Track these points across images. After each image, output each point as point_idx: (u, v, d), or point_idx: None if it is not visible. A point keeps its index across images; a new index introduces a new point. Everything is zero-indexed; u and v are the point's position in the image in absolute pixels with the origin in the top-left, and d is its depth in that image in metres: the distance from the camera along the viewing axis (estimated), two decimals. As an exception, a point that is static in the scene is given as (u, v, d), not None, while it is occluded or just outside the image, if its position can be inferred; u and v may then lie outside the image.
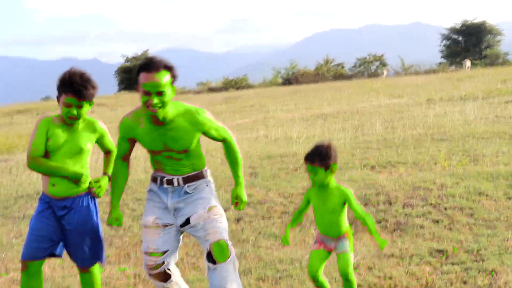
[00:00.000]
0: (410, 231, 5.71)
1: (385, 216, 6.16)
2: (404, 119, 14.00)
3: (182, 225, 3.86)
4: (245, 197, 4.08)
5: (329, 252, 3.98)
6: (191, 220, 3.81)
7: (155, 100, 3.54)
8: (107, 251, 5.91)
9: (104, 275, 5.26)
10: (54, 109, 34.33)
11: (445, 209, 6.21)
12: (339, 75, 48.54)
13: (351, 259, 3.89)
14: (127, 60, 55.33)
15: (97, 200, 4.24)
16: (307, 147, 10.58)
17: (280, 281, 4.79)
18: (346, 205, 3.86)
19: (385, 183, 7.32)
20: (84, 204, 4.11)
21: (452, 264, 4.75)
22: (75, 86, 3.85)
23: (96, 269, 4.24)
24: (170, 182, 3.87)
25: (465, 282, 4.40)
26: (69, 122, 4.00)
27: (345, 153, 9.82)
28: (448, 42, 57.60)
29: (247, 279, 4.89)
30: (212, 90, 48.17)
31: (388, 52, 55.69)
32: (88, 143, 4.10)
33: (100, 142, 4.23)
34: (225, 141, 4.02)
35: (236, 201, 4.07)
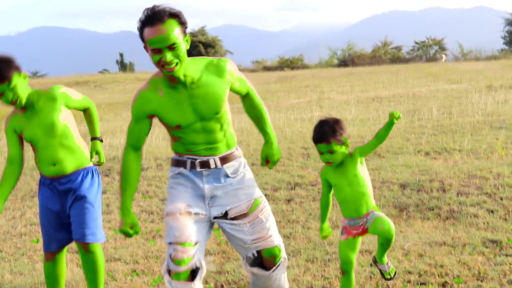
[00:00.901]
0: (464, 219, 5.60)
1: (438, 204, 6.06)
2: (462, 105, 13.70)
3: (217, 217, 3.36)
4: (278, 155, 3.71)
5: (359, 237, 3.67)
6: (231, 214, 3.33)
7: (169, 56, 2.99)
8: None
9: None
10: (112, 81, 34.97)
11: (501, 199, 6.07)
12: (397, 58, 47.81)
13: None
14: (184, 36, 55.67)
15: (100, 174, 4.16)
16: (361, 130, 10.59)
17: (329, 263, 4.78)
18: (365, 168, 3.59)
19: (439, 170, 7.20)
20: (88, 176, 4.01)
21: (506, 255, 4.64)
22: None
23: (99, 250, 4.07)
24: (205, 165, 3.29)
25: (518, 275, 4.30)
26: (17, 106, 3.85)
27: (399, 137, 9.70)
28: (511, 28, 55.92)
29: (296, 260, 4.90)
30: (267, 68, 48.11)
31: (448, 36, 54.42)
32: (55, 114, 3.85)
33: (69, 106, 3.96)
34: (248, 94, 3.58)
35: (267, 160, 3.68)
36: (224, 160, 3.33)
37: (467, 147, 8.57)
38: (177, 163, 3.37)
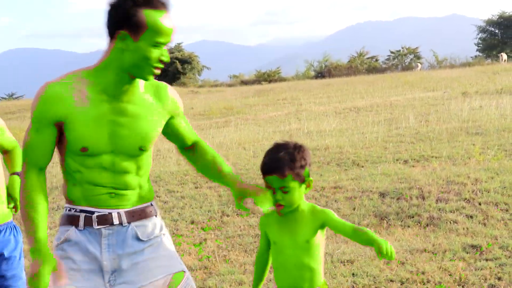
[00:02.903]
0: (444, 226, 5.64)
1: (418, 211, 6.09)
2: (438, 113, 13.83)
3: None
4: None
5: None
6: None
7: (166, 57, 2.29)
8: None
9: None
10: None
11: (480, 204, 6.11)
12: (373, 68, 48.20)
13: None
14: (160, 52, 55.61)
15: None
16: (340, 140, 10.65)
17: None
18: (324, 236, 2.54)
19: (418, 177, 7.24)
20: (6, 237, 3.28)
21: (486, 260, 4.68)
22: None
23: None
24: (104, 220, 2.35)
25: (499, 278, 4.33)
26: None
27: (378, 146, 9.75)
28: (484, 35, 56.68)
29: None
30: (244, 82, 48.22)
31: (422, 45, 55.10)
32: None
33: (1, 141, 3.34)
34: (198, 142, 2.69)
35: (239, 198, 2.54)
36: (133, 216, 2.41)
37: (445, 153, 8.64)
38: (66, 220, 2.40)
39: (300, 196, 2.49)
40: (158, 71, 2.28)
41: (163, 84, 2.48)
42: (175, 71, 51.42)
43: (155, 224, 2.47)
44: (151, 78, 2.30)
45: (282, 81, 45.79)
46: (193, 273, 5.03)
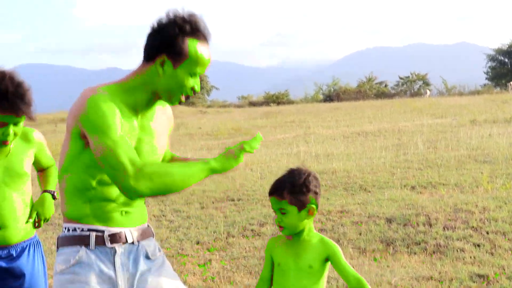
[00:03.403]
0: (450, 254, 5.60)
1: (425, 238, 6.05)
2: (446, 140, 13.80)
3: None
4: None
5: None
6: None
7: (198, 87, 2.35)
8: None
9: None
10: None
11: (487, 233, 6.07)
12: (381, 93, 48.29)
13: None
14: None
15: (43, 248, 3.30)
16: (347, 165, 10.63)
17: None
18: (327, 268, 2.60)
19: (425, 204, 7.21)
20: (29, 256, 3.13)
21: (493, 290, 4.64)
22: (12, 99, 2.77)
23: None
24: (118, 238, 2.29)
25: (506, 309, 4.29)
26: (2, 146, 2.94)
27: (385, 172, 9.73)
28: (493, 64, 56.73)
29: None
30: (252, 104, 48.34)
31: (432, 71, 55.19)
32: (26, 161, 3.11)
33: (36, 157, 3.21)
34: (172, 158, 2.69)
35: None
36: (141, 234, 2.38)
37: (453, 181, 8.61)
38: (72, 241, 2.27)
39: (300, 221, 2.54)
40: (184, 99, 2.32)
41: (168, 107, 2.52)
42: (185, 90, 51.66)
43: (155, 244, 2.46)
44: (177, 104, 2.34)
45: (291, 103, 45.91)
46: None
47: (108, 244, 2.25)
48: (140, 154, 2.24)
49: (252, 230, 6.73)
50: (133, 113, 2.29)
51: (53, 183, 3.35)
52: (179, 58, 2.22)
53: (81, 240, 2.25)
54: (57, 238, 2.35)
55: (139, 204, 2.38)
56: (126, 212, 2.31)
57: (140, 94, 2.29)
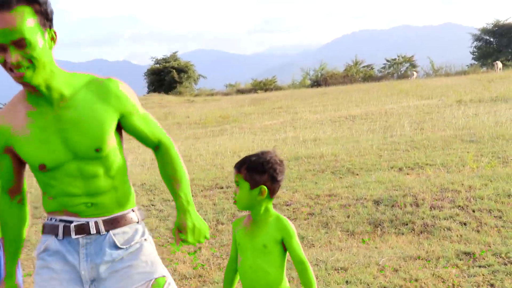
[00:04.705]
0: (437, 233, 5.65)
1: (412, 218, 6.10)
2: (433, 120, 13.88)
3: None
4: (199, 227, 2.52)
5: None
6: None
7: (15, 56, 2.06)
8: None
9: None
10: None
11: (473, 211, 6.13)
12: (368, 77, 48.27)
13: None
14: (157, 61, 55.65)
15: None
16: (335, 148, 10.67)
17: None
18: (286, 251, 2.64)
19: (412, 185, 7.26)
20: None
21: (480, 267, 4.69)
22: None
23: None
24: (82, 229, 2.32)
25: (492, 285, 4.35)
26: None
27: (372, 154, 9.77)
28: (479, 43, 56.82)
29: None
30: (240, 91, 48.24)
31: (418, 53, 55.23)
32: None
33: None
34: (161, 145, 2.51)
35: (181, 235, 2.48)
36: (112, 223, 2.36)
37: (439, 161, 8.67)
38: (47, 229, 2.39)
39: (251, 199, 2.61)
40: (17, 76, 2.12)
41: (109, 81, 2.34)
42: (171, 80, 51.45)
43: (137, 230, 2.42)
44: (17, 80, 2.15)
45: (278, 90, 45.85)
46: (187, 281, 5.04)
47: (73, 235, 2.30)
48: (70, 144, 2.25)
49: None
50: (41, 109, 2.25)
51: None
52: None
53: (53, 230, 2.35)
54: None
55: (108, 188, 2.33)
56: (92, 204, 2.31)
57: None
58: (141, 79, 59.97)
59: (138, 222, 2.45)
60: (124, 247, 2.36)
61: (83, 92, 2.27)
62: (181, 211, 2.48)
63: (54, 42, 2.18)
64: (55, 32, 2.18)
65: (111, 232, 2.34)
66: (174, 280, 4.95)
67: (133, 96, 2.39)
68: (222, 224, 6.62)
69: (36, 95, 2.21)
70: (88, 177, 2.29)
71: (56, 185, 2.29)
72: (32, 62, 2.09)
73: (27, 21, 2.05)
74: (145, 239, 2.43)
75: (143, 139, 2.46)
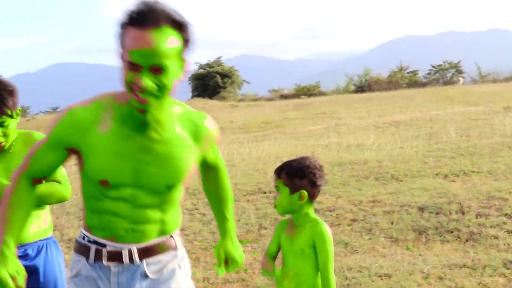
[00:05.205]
0: (484, 241, 5.56)
1: (458, 226, 6.02)
2: (480, 127, 13.64)
3: None
4: (240, 255, 2.60)
5: None
6: None
7: (148, 82, 1.90)
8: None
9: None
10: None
11: (521, 220, 6.01)
12: (413, 83, 47.72)
13: None
14: (201, 67, 56.08)
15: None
16: (379, 155, 10.58)
17: (348, 288, 4.76)
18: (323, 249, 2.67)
19: (458, 192, 7.16)
20: (47, 255, 3.06)
21: (527, 276, 4.61)
22: None
23: None
24: (114, 257, 2.19)
25: (540, 295, 4.26)
26: None
27: (417, 161, 9.66)
28: (528, 49, 55.64)
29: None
30: (284, 97, 48.22)
31: (464, 59, 54.41)
32: None
33: None
34: (217, 167, 2.48)
35: (226, 260, 2.59)
36: (148, 251, 2.22)
37: (486, 168, 8.52)
38: (78, 248, 2.26)
39: (290, 204, 2.67)
40: (138, 101, 1.96)
41: (202, 118, 2.22)
42: (215, 85, 51.84)
43: (173, 257, 2.28)
44: (136, 104, 1.98)
45: (322, 95, 45.69)
46: (230, 285, 5.07)
47: (105, 262, 2.18)
48: (141, 174, 2.10)
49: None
50: (127, 130, 2.07)
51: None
52: (121, 51, 1.97)
53: (84, 251, 2.23)
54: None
55: (155, 220, 2.19)
56: (133, 230, 2.16)
57: (124, 104, 2.09)
58: (185, 84, 60.47)
59: (175, 249, 2.30)
60: (155, 277, 2.23)
61: (178, 128, 2.12)
62: (228, 236, 2.55)
63: (185, 75, 2.05)
64: (187, 62, 2.02)
65: (144, 261, 2.21)
66: (217, 284, 5.00)
67: (216, 130, 2.30)
68: (265, 228, 6.63)
69: (136, 117, 2.03)
70: (140, 206, 2.14)
71: (104, 200, 2.13)
72: (160, 90, 1.94)
73: (170, 46, 1.91)
74: (179, 267, 2.30)
75: (205, 163, 2.37)
